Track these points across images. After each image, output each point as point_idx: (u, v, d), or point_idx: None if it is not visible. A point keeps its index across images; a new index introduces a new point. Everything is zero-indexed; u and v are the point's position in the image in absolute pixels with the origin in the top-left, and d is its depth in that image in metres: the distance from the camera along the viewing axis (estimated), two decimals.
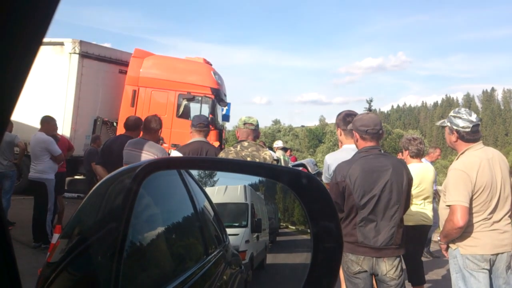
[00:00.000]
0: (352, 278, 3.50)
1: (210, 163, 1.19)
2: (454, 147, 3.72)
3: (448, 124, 3.69)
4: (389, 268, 3.42)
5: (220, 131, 13.65)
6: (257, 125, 4.48)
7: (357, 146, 3.72)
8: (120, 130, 12.14)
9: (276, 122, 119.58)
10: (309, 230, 1.04)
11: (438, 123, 3.91)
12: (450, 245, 3.61)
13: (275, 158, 4.57)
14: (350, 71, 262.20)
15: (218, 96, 13.26)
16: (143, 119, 5.56)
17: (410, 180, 3.55)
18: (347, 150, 4.17)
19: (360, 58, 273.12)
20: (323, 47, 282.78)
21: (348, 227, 3.48)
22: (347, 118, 4.27)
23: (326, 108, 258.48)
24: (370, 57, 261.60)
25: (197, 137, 4.97)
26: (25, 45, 0.54)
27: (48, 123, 7.77)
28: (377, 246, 3.40)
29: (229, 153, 4.25)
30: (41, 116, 8.29)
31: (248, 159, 4.14)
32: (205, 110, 12.65)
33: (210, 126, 5.92)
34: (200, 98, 12.76)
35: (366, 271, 3.45)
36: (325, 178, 4.40)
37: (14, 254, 0.66)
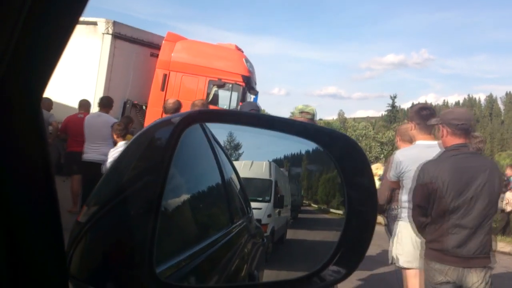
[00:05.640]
0: None
1: (251, 118, 1.19)
2: None
3: None
4: (477, 280, 3.19)
5: None
6: (314, 115, 4.26)
7: (443, 142, 3.44)
8: (150, 113, 12.23)
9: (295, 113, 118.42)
10: (341, 199, 1.07)
11: None
12: None
13: None
14: (371, 66, 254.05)
15: (248, 84, 13.16)
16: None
17: (501, 182, 3.34)
18: (420, 146, 3.88)
19: (382, 53, 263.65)
20: (344, 40, 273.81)
21: (436, 233, 3.29)
22: (421, 111, 3.97)
23: (345, 102, 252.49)
24: (393, 54, 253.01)
25: None
26: (62, 23, 0.58)
27: (110, 105, 7.71)
28: (467, 256, 3.19)
29: None
30: (72, 95, 8.21)
31: None
32: (235, 98, 12.51)
33: None
34: (230, 85, 12.60)
35: (450, 282, 3.24)
36: (392, 176, 4.05)
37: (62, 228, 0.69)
